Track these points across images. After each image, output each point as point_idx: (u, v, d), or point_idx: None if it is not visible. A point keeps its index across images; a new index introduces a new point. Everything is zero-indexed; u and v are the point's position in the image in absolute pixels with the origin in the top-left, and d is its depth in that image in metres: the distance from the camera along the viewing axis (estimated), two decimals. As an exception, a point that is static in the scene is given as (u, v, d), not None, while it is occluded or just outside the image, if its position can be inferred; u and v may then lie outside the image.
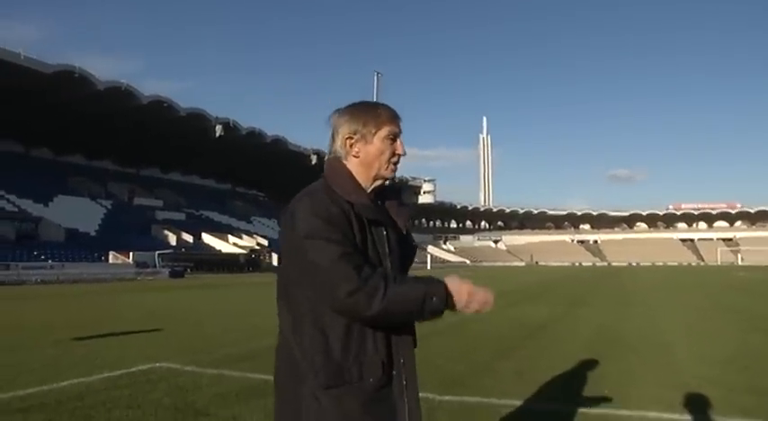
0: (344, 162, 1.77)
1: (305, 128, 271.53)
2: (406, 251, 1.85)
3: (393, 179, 1.82)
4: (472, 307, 1.62)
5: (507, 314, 11.99)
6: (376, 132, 1.76)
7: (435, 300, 1.58)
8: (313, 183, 1.76)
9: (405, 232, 1.84)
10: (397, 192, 1.84)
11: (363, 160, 1.76)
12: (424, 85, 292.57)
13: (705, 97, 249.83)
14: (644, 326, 10.38)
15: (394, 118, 1.80)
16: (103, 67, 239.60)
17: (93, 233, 44.44)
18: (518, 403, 4.82)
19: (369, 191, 1.77)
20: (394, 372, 1.68)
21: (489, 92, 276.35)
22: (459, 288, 1.61)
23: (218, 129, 56.87)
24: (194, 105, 56.27)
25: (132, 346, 7.91)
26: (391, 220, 1.79)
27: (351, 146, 1.76)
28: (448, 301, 1.60)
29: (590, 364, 6.46)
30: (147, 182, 64.61)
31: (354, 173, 1.76)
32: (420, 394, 1.70)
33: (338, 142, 1.78)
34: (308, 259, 1.59)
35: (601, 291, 21.54)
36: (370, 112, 1.78)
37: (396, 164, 1.80)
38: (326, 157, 1.83)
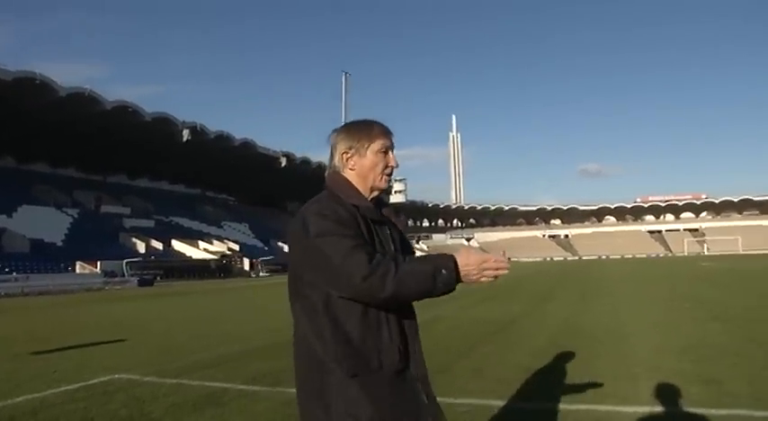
0: (343, 175, 1.96)
1: (274, 131, 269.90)
2: (407, 251, 1.99)
3: (388, 190, 1.92)
4: (486, 274, 1.71)
5: (472, 313, 12.12)
6: (369, 146, 1.94)
7: (445, 272, 1.67)
8: (317, 195, 1.93)
9: (404, 234, 2.03)
10: (389, 204, 2.06)
11: (359, 172, 1.95)
12: (392, 85, 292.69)
13: (671, 90, 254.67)
14: (607, 318, 10.58)
15: (385, 133, 1.98)
16: (71, 73, 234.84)
17: (59, 243, 43.53)
18: (472, 401, 4.89)
19: (370, 200, 1.94)
20: (409, 359, 1.82)
21: (458, 90, 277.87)
22: (467, 259, 1.70)
23: (186, 134, 56.12)
24: (161, 110, 55.60)
25: (93, 358, 7.82)
26: (393, 224, 1.98)
27: (347, 160, 1.95)
28: (458, 274, 1.69)
29: (548, 359, 6.57)
30: (114, 189, 63.49)
31: (353, 184, 1.93)
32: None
33: (336, 157, 1.97)
34: (322, 255, 1.73)
35: (568, 286, 21.86)
36: (363, 129, 1.98)
37: (389, 175, 1.98)
38: (327, 172, 2.00)
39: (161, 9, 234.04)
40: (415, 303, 1.84)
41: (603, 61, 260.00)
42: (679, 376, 5.52)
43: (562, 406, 4.62)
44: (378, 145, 1.95)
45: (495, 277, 1.73)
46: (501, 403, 4.84)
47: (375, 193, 1.97)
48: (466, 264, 1.69)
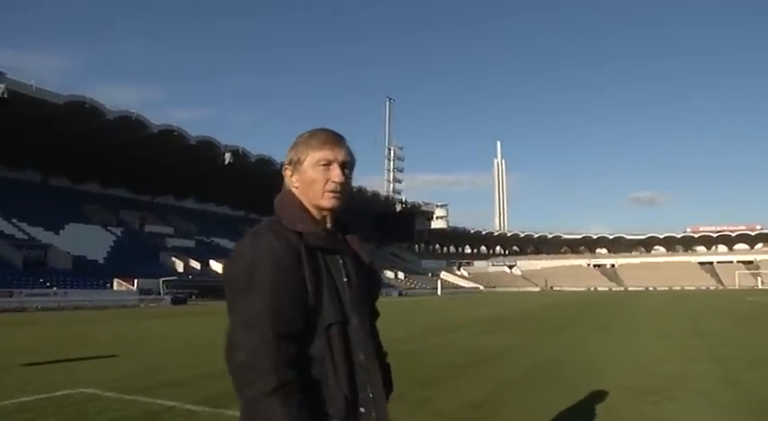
0: (293, 193, 1.68)
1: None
2: (371, 282, 1.71)
3: (338, 210, 1.67)
4: None
5: (469, 341, 12.01)
6: (305, 159, 1.64)
7: None
8: (264, 220, 1.66)
9: (369, 263, 1.72)
10: (353, 227, 1.76)
11: (300, 190, 1.65)
12: (437, 110, 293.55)
13: (727, 118, 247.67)
14: (594, 354, 10.31)
15: (329, 142, 1.66)
16: (127, 97, 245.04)
17: (101, 260, 45.06)
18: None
19: (324, 222, 1.66)
20: (361, 409, 1.53)
21: (503, 116, 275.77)
22: None
23: (228, 157, 57.77)
24: (209, 133, 57.55)
25: (72, 372, 8.10)
26: (350, 250, 1.67)
27: (290, 176, 1.68)
28: None
29: (503, 394, 6.50)
30: (159, 209, 65.54)
31: (303, 204, 1.65)
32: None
33: (284, 172, 1.72)
34: (229, 306, 1.51)
35: (586, 318, 21.34)
36: (303, 139, 1.68)
37: (333, 192, 1.63)
38: (280, 190, 1.73)
39: (212, 34, 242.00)
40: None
41: (656, 87, 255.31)
42: (619, 417, 5.38)
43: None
44: (316, 157, 1.63)
45: None
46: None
47: (325, 213, 1.66)
48: None
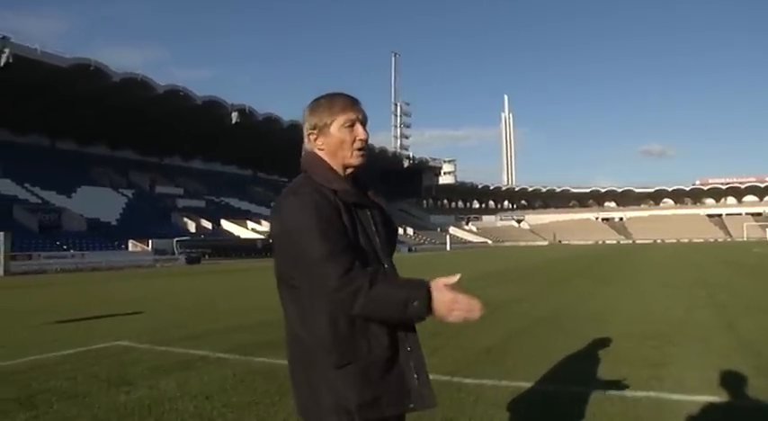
0: (318, 154, 1.87)
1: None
2: (391, 233, 1.96)
3: (362, 166, 1.91)
4: (455, 315, 1.64)
5: (478, 293, 12.39)
6: (332, 123, 1.83)
7: (417, 304, 1.61)
8: (295, 178, 1.87)
9: (386, 215, 1.95)
10: (368, 183, 1.99)
11: (328, 151, 1.85)
12: (443, 65, 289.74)
13: (736, 70, 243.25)
14: (600, 304, 10.70)
15: (350, 105, 1.86)
16: (130, 58, 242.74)
17: (114, 222, 45.76)
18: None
19: (348, 179, 1.86)
20: (398, 343, 1.76)
21: (511, 70, 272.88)
22: (441, 295, 1.63)
23: (235, 116, 57.77)
24: (214, 93, 57.49)
25: (102, 328, 8.55)
26: (374, 203, 1.90)
27: (315, 140, 1.86)
28: (431, 307, 1.63)
29: (512, 342, 6.89)
30: (168, 170, 65.97)
31: (329, 165, 1.85)
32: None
33: (305, 137, 1.89)
34: (299, 253, 1.69)
35: (592, 270, 21.75)
36: (324, 105, 1.86)
37: (360, 149, 1.85)
38: (303, 152, 1.91)
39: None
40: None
41: (665, 40, 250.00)
42: (636, 361, 5.70)
43: (496, 382, 4.93)
44: (342, 119, 1.84)
45: (465, 319, 1.65)
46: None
47: (350, 171, 1.88)
48: (439, 299, 1.63)
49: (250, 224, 57.86)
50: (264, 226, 59.05)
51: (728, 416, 4.00)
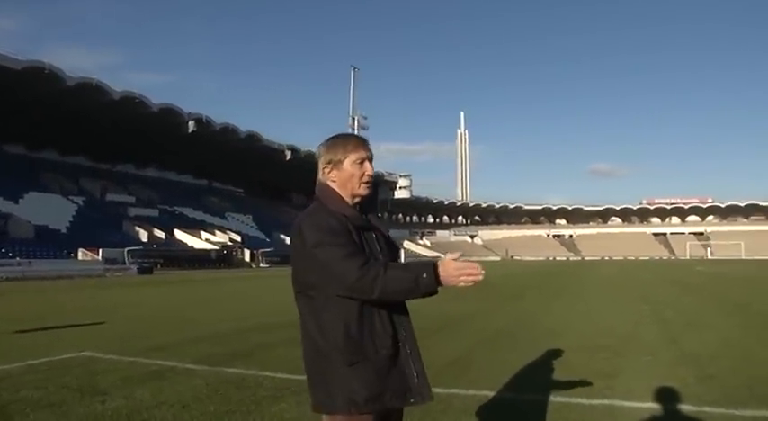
0: (329, 185, 2.19)
1: (280, 124, 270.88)
2: (393, 251, 2.26)
3: (368, 197, 2.27)
4: (463, 280, 1.95)
5: (435, 308, 12.67)
6: (345, 159, 2.17)
7: (426, 276, 1.92)
8: (310, 206, 2.18)
9: (388, 236, 2.26)
10: (372, 207, 2.38)
11: (339, 183, 2.17)
12: (401, 80, 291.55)
13: (683, 92, 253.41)
14: (553, 319, 11.13)
15: (360, 145, 2.21)
16: (84, 60, 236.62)
17: (63, 230, 44.58)
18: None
19: (356, 207, 2.19)
20: (399, 344, 2.07)
21: (467, 87, 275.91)
22: (446, 265, 1.95)
23: (191, 125, 57.12)
24: (170, 100, 56.70)
25: (65, 338, 8.50)
26: (377, 228, 2.21)
27: (328, 172, 2.19)
28: (438, 278, 1.93)
29: (473, 354, 7.21)
30: (120, 178, 64.63)
31: (340, 194, 2.16)
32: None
33: (320, 170, 2.21)
34: (320, 262, 1.99)
35: (544, 286, 22.45)
36: (339, 143, 2.21)
37: (367, 183, 2.19)
38: (317, 183, 2.23)
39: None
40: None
41: (616, 61, 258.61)
42: (571, 369, 6.10)
43: (463, 391, 5.20)
44: (354, 157, 2.17)
45: (473, 282, 1.95)
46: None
47: (357, 200, 2.19)
48: (444, 270, 1.93)
49: (204, 234, 57.12)
50: (218, 236, 58.39)
51: (675, 419, 4.36)
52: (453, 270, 1.94)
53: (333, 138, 2.28)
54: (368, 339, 2.01)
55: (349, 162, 2.18)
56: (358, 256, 1.99)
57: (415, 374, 2.08)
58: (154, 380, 5.67)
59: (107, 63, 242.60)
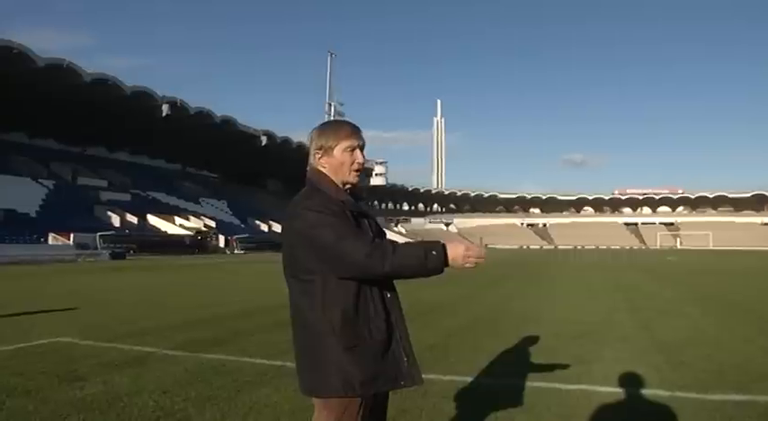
0: (322, 171, 2.20)
1: (257, 109, 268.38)
2: (382, 237, 2.26)
3: (358, 184, 2.30)
4: (470, 261, 1.99)
5: (416, 295, 12.78)
6: (336, 146, 2.17)
7: (435, 254, 1.96)
8: (301, 191, 2.18)
9: (378, 223, 2.30)
10: (361, 194, 2.36)
11: (330, 170, 2.18)
12: (379, 67, 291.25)
13: (658, 84, 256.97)
14: (526, 304, 11.32)
15: (353, 133, 2.20)
16: (55, 41, 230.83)
17: (33, 214, 43.64)
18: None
19: (347, 193, 2.19)
20: (392, 328, 2.10)
21: (444, 76, 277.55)
22: (455, 246, 2.00)
23: (165, 109, 56.11)
24: (145, 83, 55.69)
25: (40, 324, 8.37)
26: (369, 215, 2.24)
27: (319, 158, 2.20)
28: (446, 259, 1.98)
29: (452, 339, 7.30)
30: (92, 162, 63.31)
31: (332, 180, 2.18)
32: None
33: (311, 156, 2.22)
34: (321, 243, 1.99)
35: (519, 273, 22.70)
36: (331, 130, 2.22)
37: (357, 171, 2.21)
38: (308, 168, 2.24)
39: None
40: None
41: (591, 53, 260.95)
42: (548, 353, 6.26)
43: (441, 376, 5.26)
44: (344, 145, 2.17)
45: (476, 264, 2.00)
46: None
47: (348, 187, 2.21)
48: (454, 250, 1.98)
49: (178, 220, 56.47)
50: (192, 222, 57.79)
51: (648, 404, 4.48)
52: (464, 250, 1.99)
53: (326, 123, 2.30)
54: (363, 323, 2.04)
55: (340, 149, 2.18)
56: (364, 235, 2.05)
57: (406, 358, 2.12)
58: (132, 366, 5.63)
59: (78, 45, 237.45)
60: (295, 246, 2.10)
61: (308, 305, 2.07)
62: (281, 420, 3.99)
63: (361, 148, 2.24)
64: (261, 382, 5.02)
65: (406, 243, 2.05)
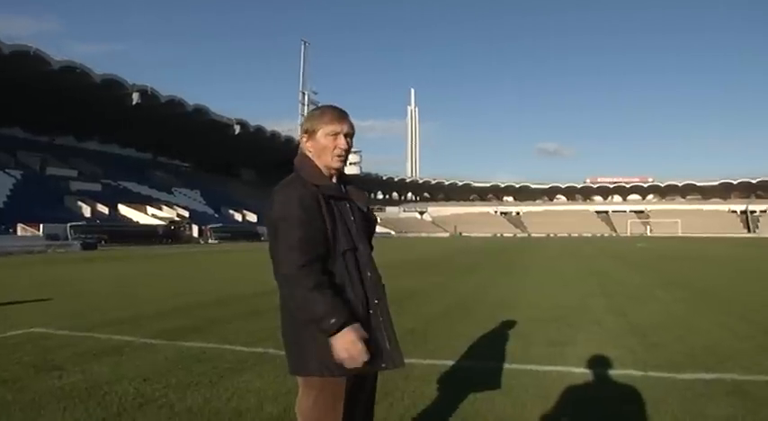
0: (308, 156, 2.23)
1: (230, 97, 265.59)
2: (369, 222, 2.32)
3: (342, 170, 2.28)
4: (343, 357, 2.01)
5: (391, 283, 12.88)
6: (319, 130, 2.20)
7: (333, 322, 1.98)
8: (288, 176, 2.23)
9: (366, 209, 2.32)
10: (354, 181, 2.40)
11: (315, 154, 2.21)
12: (352, 56, 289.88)
13: (626, 75, 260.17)
14: (504, 292, 11.45)
15: (336, 118, 2.22)
16: (21, 29, 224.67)
17: (0, 205, 42.71)
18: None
19: (332, 177, 2.22)
20: (371, 311, 2.14)
21: (418, 65, 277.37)
22: (350, 333, 2.00)
23: (136, 97, 55.25)
24: (115, 71, 54.61)
25: (14, 314, 8.24)
26: (350, 197, 2.26)
27: (305, 141, 2.25)
28: (334, 334, 1.99)
29: (431, 325, 7.37)
30: (61, 151, 62.13)
31: (316, 165, 2.21)
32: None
33: (300, 139, 2.29)
34: (278, 236, 2.07)
35: (493, 261, 22.94)
36: (317, 114, 2.25)
37: (340, 157, 2.21)
38: (298, 152, 2.29)
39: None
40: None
41: (565, 42, 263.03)
42: (524, 337, 6.37)
43: (421, 361, 5.34)
44: (328, 129, 2.19)
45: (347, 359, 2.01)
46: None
47: (333, 172, 2.23)
48: (344, 339, 1.99)
49: (150, 210, 55.78)
50: (165, 211, 57.12)
51: (622, 384, 4.59)
52: (347, 343, 2.00)
53: (315, 108, 2.34)
54: (342, 309, 2.05)
55: (322, 133, 2.20)
56: (306, 248, 2.03)
57: (387, 341, 2.16)
58: (111, 356, 5.59)
59: (45, 31, 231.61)
60: (270, 231, 2.17)
61: (288, 292, 2.11)
62: (264, 405, 4.01)
63: (347, 135, 2.24)
64: (242, 369, 5.03)
65: (327, 293, 2.03)
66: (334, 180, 2.25)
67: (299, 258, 2.02)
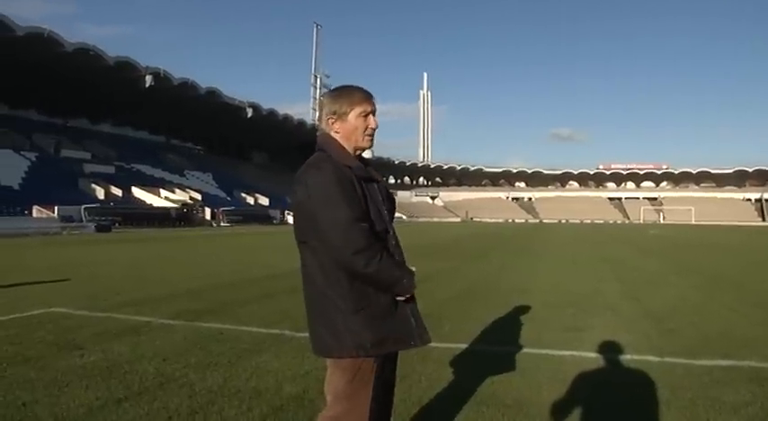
0: (332, 136, 2.21)
1: (242, 80, 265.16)
2: (392, 204, 2.33)
3: (370, 149, 2.34)
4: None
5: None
6: (350, 111, 2.19)
7: (406, 281, 2.10)
8: (312, 156, 2.20)
9: (387, 189, 2.33)
10: (372, 163, 2.38)
11: (343, 135, 2.20)
12: (365, 39, 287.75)
13: (640, 61, 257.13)
14: (517, 277, 11.45)
15: (366, 98, 2.22)
16: (35, 11, 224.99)
17: (16, 187, 43.12)
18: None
19: (357, 159, 2.20)
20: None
21: (431, 48, 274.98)
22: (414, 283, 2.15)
23: (149, 80, 55.31)
24: (128, 53, 54.69)
25: (33, 294, 8.37)
26: (378, 181, 2.26)
27: (332, 123, 2.21)
28: (412, 288, 2.13)
29: (445, 309, 7.41)
30: (75, 133, 62.43)
31: (343, 145, 2.19)
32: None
33: (323, 121, 2.23)
34: (323, 220, 2.02)
35: (506, 246, 22.94)
36: (345, 95, 2.22)
37: (370, 136, 2.23)
38: (318, 133, 2.28)
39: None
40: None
41: (580, 27, 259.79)
42: (540, 322, 6.40)
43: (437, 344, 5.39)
44: (359, 110, 2.19)
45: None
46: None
47: (359, 152, 2.24)
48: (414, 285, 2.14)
49: (163, 192, 56.04)
50: (178, 194, 57.40)
51: (639, 370, 4.61)
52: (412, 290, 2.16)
53: (338, 88, 2.29)
54: (369, 288, 2.09)
55: (354, 114, 2.20)
56: (362, 229, 2.03)
57: (413, 320, 2.18)
58: (130, 335, 5.67)
59: (59, 14, 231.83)
60: (298, 212, 2.16)
61: (320, 271, 2.12)
62: (283, 385, 4.06)
63: (374, 113, 2.25)
64: (260, 350, 5.09)
65: (392, 258, 2.11)
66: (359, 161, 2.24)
67: (363, 232, 2.03)
